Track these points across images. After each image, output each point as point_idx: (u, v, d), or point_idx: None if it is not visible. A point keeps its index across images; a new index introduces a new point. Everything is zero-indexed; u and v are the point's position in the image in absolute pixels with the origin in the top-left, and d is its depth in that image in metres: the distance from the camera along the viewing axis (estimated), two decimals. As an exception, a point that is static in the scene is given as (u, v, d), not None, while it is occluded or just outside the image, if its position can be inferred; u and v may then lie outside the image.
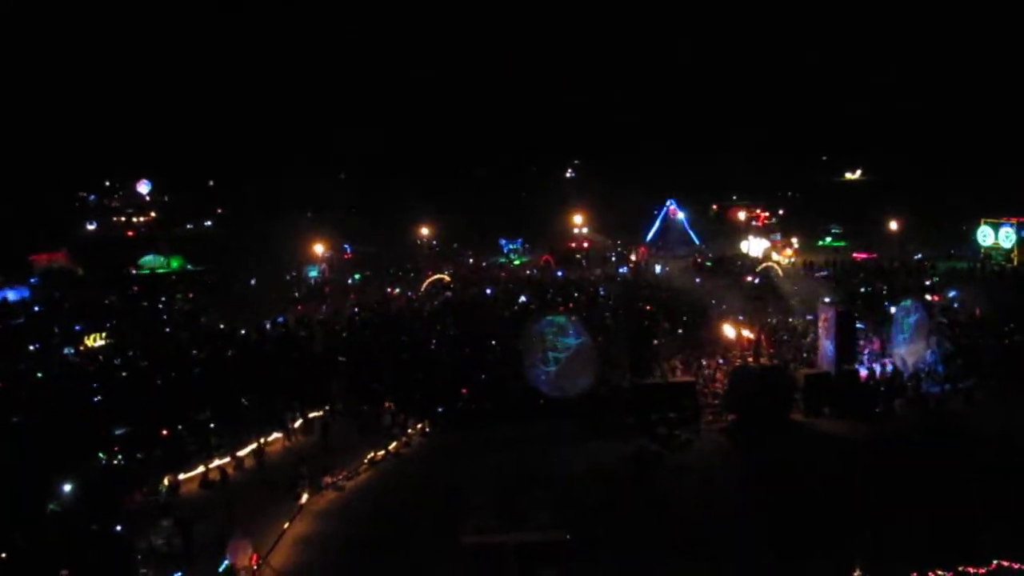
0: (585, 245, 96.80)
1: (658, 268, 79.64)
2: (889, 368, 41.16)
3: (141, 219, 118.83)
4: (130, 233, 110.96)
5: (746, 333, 44.49)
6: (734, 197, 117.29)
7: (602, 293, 64.28)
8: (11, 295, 70.91)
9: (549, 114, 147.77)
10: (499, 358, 43.56)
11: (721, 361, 43.58)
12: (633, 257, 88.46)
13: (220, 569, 24.88)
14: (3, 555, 24.83)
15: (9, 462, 31.73)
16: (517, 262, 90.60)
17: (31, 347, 52.14)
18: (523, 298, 62.08)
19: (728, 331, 45.15)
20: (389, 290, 71.55)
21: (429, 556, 24.76)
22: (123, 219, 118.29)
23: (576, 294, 63.51)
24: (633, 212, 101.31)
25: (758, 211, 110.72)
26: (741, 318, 47.01)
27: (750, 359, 41.37)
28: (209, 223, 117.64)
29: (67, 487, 29.81)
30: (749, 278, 69.16)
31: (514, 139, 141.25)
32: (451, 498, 27.64)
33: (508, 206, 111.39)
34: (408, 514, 28.23)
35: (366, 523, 28.11)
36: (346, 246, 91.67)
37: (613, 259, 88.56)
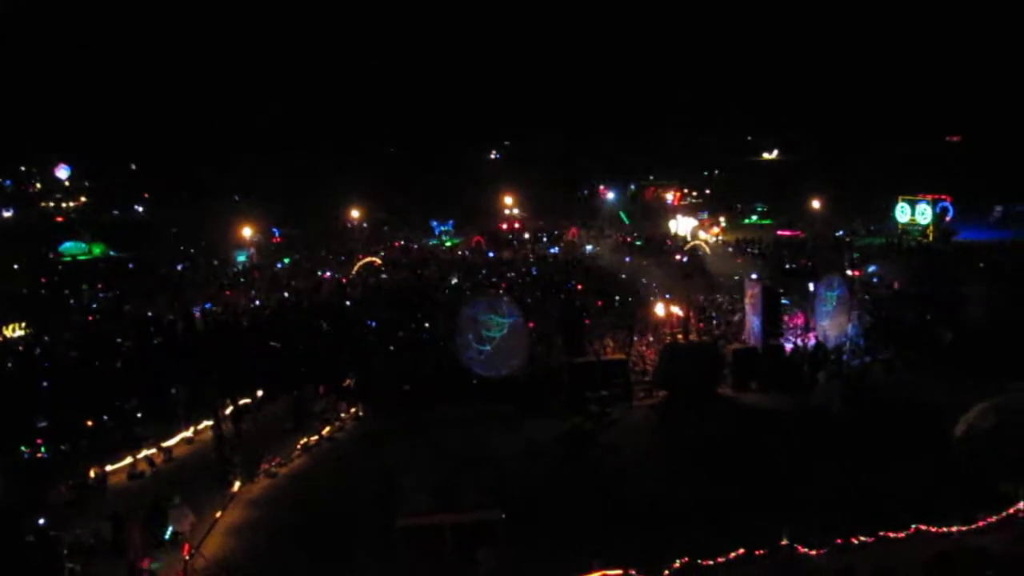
0: (516, 226, 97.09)
1: (588, 248, 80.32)
2: (813, 342, 42.33)
3: (70, 204, 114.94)
4: (60, 219, 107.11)
5: (676, 311, 45.22)
6: (651, 177, 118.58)
7: (534, 273, 64.61)
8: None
9: (477, 95, 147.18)
10: (432, 340, 43.49)
11: (652, 339, 44.27)
12: (564, 237, 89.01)
13: (165, 536, 25.39)
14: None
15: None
16: (449, 243, 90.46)
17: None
18: (455, 279, 62.03)
19: (658, 309, 45.85)
20: (320, 274, 70.73)
21: (365, 540, 24.69)
22: (50, 204, 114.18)
23: (508, 274, 63.70)
24: (563, 193, 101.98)
25: (673, 191, 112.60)
26: (671, 296, 47.73)
27: (680, 336, 42.09)
28: (140, 208, 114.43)
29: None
30: (678, 256, 70.29)
31: (442, 120, 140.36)
32: (386, 481, 27.55)
33: (439, 188, 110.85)
34: (343, 499, 28.09)
35: (301, 509, 27.86)
36: (274, 230, 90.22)
37: (544, 239, 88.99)
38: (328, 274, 70.34)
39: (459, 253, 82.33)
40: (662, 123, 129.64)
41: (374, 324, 47.88)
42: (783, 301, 43.58)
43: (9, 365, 44.41)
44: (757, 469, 28.30)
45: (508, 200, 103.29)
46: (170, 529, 25.74)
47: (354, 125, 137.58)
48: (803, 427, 32.49)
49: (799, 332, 44.52)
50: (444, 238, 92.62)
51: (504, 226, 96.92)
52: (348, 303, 55.64)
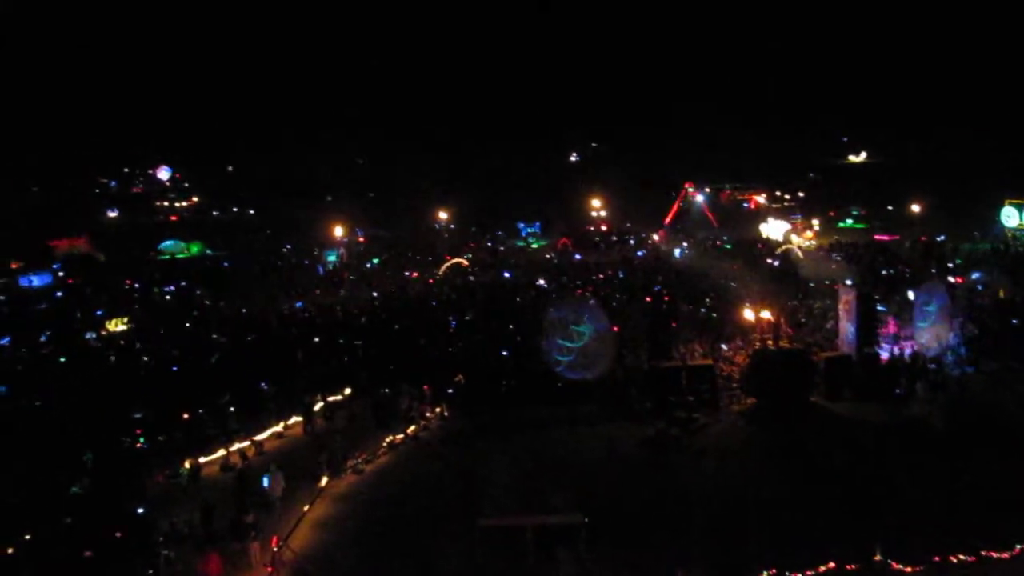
0: (603, 228, 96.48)
1: (677, 251, 79.24)
2: (910, 351, 40.77)
3: (178, 205, 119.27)
4: (173, 218, 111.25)
5: (766, 316, 44.13)
6: (727, 185, 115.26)
7: (620, 276, 64.07)
8: (34, 280, 71.73)
9: (567, 97, 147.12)
10: (517, 342, 43.53)
11: (740, 344, 43.34)
12: (652, 240, 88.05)
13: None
14: (27, 536, 25.14)
15: (32, 445, 32.16)
16: (535, 245, 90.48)
17: (53, 332, 52.69)
18: (541, 282, 61.99)
19: (748, 314, 44.83)
20: (407, 274, 71.66)
21: (447, 539, 24.82)
22: (164, 204, 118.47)
23: (594, 277, 63.33)
24: (651, 195, 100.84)
25: (752, 194, 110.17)
26: (760, 301, 46.64)
27: (770, 342, 41.05)
28: (236, 209, 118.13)
29: (90, 470, 30.18)
30: (769, 260, 68.69)
31: (532, 122, 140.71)
32: (469, 481, 27.70)
33: (526, 189, 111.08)
34: (426, 497, 28.32)
35: (385, 506, 28.23)
36: (358, 230, 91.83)
37: (632, 242, 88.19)
38: (415, 274, 71.17)
39: (546, 255, 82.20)
40: (751, 124, 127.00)
41: (458, 324, 48.20)
42: (879, 308, 42.11)
43: (111, 358, 46.44)
44: (849, 481, 27.36)
45: (595, 202, 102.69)
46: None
47: (443, 126, 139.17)
48: (899, 439, 31.29)
49: (896, 341, 42.91)
50: (530, 240, 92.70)
51: (591, 228, 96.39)
52: (434, 304, 56.17)
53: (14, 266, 73.67)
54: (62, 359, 46.01)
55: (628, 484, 28.46)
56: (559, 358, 38.89)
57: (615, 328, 41.96)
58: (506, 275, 67.92)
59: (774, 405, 35.79)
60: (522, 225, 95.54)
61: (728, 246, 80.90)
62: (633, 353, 41.05)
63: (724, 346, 43.10)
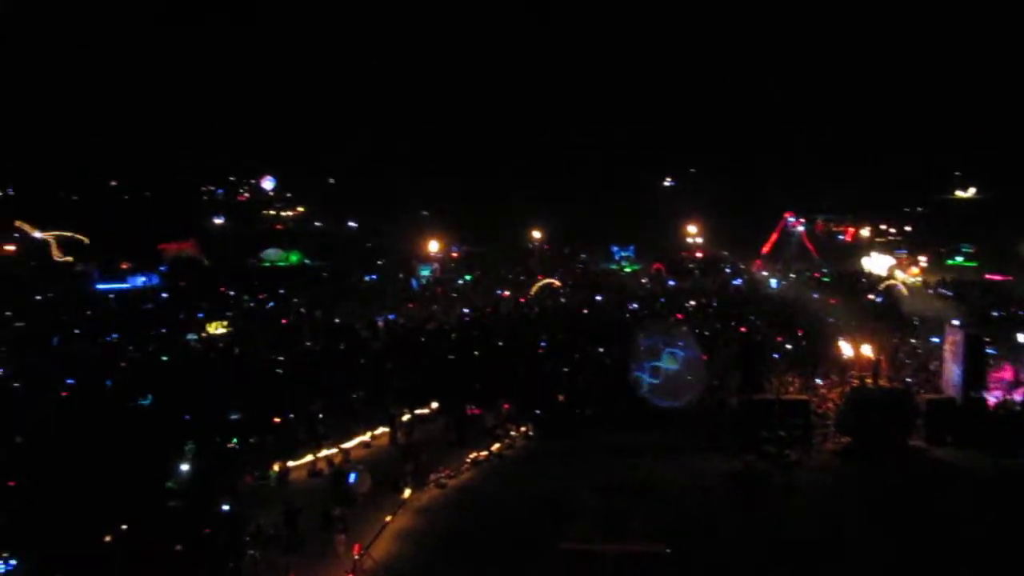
0: (698, 255, 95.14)
1: (774, 282, 77.45)
2: (1022, 399, 38.72)
3: (283, 214, 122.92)
4: (278, 227, 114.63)
5: (866, 352, 42.64)
6: (821, 216, 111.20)
7: (714, 305, 63.00)
8: (142, 281, 75.07)
9: (665, 120, 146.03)
10: (606, 365, 43.20)
11: (837, 380, 41.98)
12: (748, 269, 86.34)
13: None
14: (124, 527, 26.10)
15: (132, 440, 33.48)
16: (628, 269, 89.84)
17: (158, 332, 54.97)
18: (634, 306, 61.47)
19: (846, 350, 43.42)
20: (499, 292, 72.04)
21: (526, 559, 24.69)
22: (270, 213, 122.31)
23: (687, 304, 62.45)
24: (747, 223, 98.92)
25: (848, 227, 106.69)
26: (860, 337, 45.10)
27: (869, 380, 39.62)
28: (336, 221, 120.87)
29: (185, 466, 31.21)
30: (871, 296, 66.49)
31: (629, 145, 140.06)
32: (551, 503, 27.52)
33: (621, 212, 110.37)
34: (508, 516, 28.24)
35: (466, 522, 28.27)
36: (454, 246, 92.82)
37: (727, 270, 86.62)
38: (507, 293, 71.46)
39: (639, 280, 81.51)
40: (855, 154, 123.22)
41: (547, 345, 48.14)
42: (988, 351, 40.15)
43: (211, 358, 48.12)
44: (946, 533, 26.05)
45: (691, 228, 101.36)
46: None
47: (540, 145, 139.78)
48: (1006, 492, 29.61)
49: (1006, 386, 40.78)
50: (623, 263, 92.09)
51: (686, 254, 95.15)
52: (524, 323, 56.28)
53: (124, 267, 77.14)
54: (164, 358, 47.92)
55: (713, 517, 27.77)
56: (648, 384, 38.45)
57: (706, 357, 41.24)
58: (598, 298, 67.53)
59: (870, 446, 34.47)
60: (616, 248, 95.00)
61: (828, 279, 78.62)
62: (724, 384, 40.21)
63: (819, 381, 41.81)
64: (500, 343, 48.63)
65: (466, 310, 62.71)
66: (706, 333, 47.85)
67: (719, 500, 29.36)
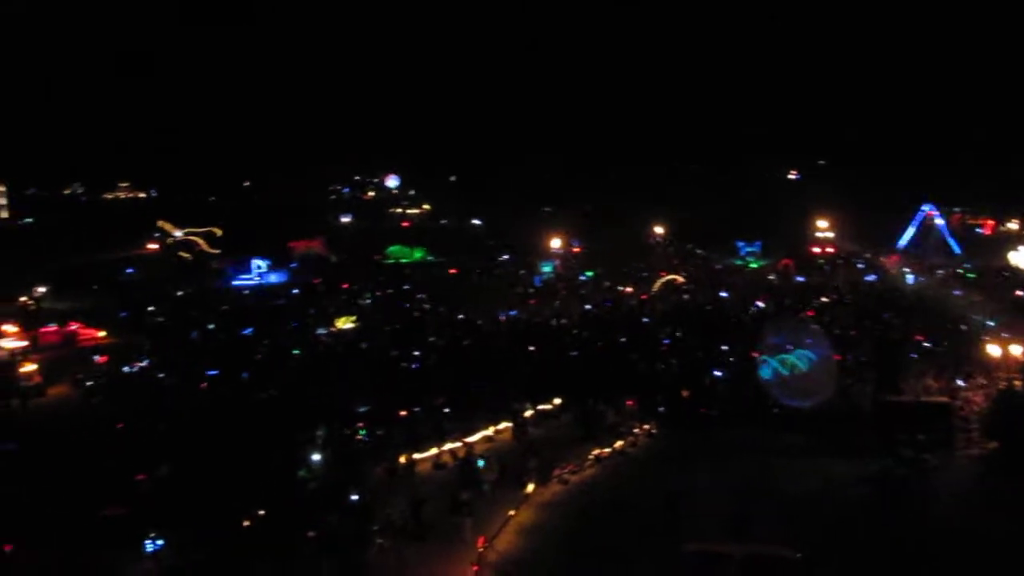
0: (829, 250, 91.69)
1: (911, 278, 73.85)
2: None
3: (410, 212, 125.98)
4: (405, 224, 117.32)
5: (1015, 353, 40.10)
6: (957, 208, 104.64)
7: (846, 302, 60.66)
8: (273, 278, 78.45)
9: (794, 111, 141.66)
10: (731, 364, 42.26)
11: (983, 382, 39.67)
12: (883, 265, 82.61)
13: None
14: (261, 512, 27.30)
15: (267, 430, 34.99)
16: (754, 265, 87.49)
17: (289, 326, 57.32)
18: (759, 303, 59.90)
19: (993, 350, 40.94)
20: (621, 288, 71.51)
21: (649, 559, 24.36)
22: (397, 210, 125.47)
23: (817, 301, 60.36)
24: (881, 217, 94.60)
25: (987, 219, 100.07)
26: (1008, 336, 42.47)
27: (1017, 382, 37.24)
28: (460, 218, 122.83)
29: (316, 456, 32.37)
30: (1020, 292, 62.52)
31: (757, 138, 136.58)
32: (675, 501, 27.08)
33: (746, 207, 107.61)
34: (631, 514, 27.96)
35: (589, 519, 28.17)
36: (574, 242, 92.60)
37: (860, 266, 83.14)
38: (629, 289, 70.86)
39: (766, 276, 79.28)
40: (995, 144, 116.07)
41: (671, 342, 47.48)
42: None
43: (339, 352, 49.76)
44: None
45: (820, 223, 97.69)
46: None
47: (662, 140, 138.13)
48: None
49: None
50: (749, 259, 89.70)
51: (816, 250, 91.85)
52: (647, 320, 55.68)
53: (257, 264, 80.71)
54: (296, 351, 49.86)
55: (846, 523, 26.64)
56: (775, 383, 37.37)
57: (838, 356, 39.74)
58: (723, 295, 66.11)
59: (1020, 452, 32.33)
60: (741, 244, 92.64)
61: (971, 275, 74.36)
62: (858, 384, 38.64)
63: (962, 383, 39.60)
64: (623, 339, 48.25)
65: (588, 306, 62.55)
66: (837, 332, 46.06)
67: (852, 505, 28.18)
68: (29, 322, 56.14)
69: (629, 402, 38.13)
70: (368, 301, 66.20)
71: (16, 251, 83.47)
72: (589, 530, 27.08)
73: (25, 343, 52.47)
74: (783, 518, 24.76)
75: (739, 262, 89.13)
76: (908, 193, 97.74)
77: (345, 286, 71.74)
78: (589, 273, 79.82)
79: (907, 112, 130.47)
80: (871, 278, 75.34)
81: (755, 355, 38.01)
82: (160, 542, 26.34)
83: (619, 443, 34.94)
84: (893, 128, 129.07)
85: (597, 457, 33.59)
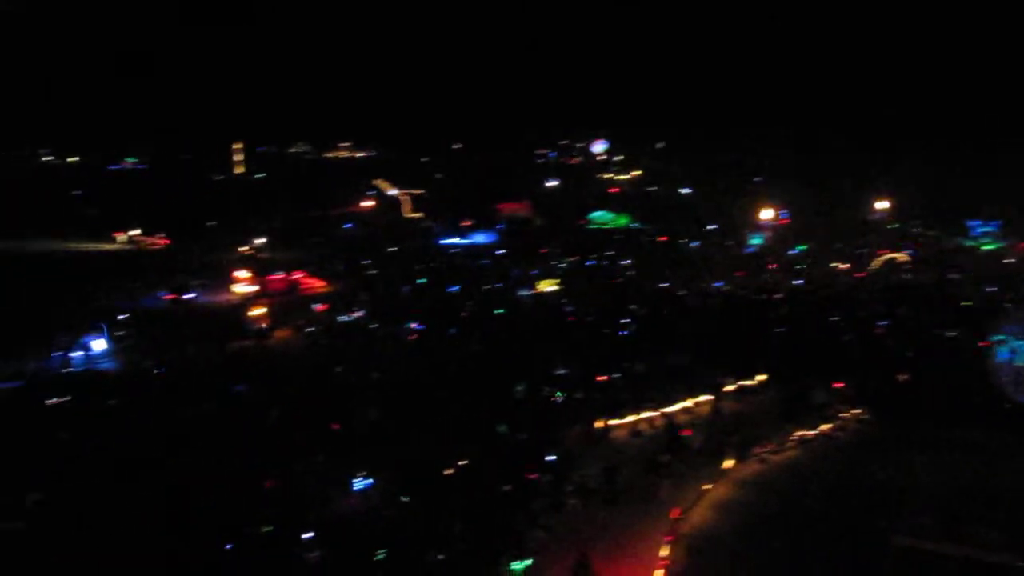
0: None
1: None
2: None
3: (618, 178, 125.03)
4: (614, 190, 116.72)
5: None
6: None
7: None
8: (480, 238, 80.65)
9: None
10: (954, 351, 39.20)
11: None
12: None
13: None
14: (464, 462, 28.48)
15: (468, 384, 36.33)
16: (987, 247, 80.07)
17: (493, 286, 58.87)
18: (991, 288, 55.03)
19: None
20: (835, 265, 67.91)
21: (851, 550, 23.32)
22: (606, 176, 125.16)
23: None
24: None
25: None
26: None
27: None
28: (670, 186, 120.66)
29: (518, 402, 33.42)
30: None
31: (996, 108, 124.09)
32: (885, 494, 25.66)
33: (983, 185, 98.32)
34: (835, 501, 26.88)
35: (789, 502, 27.32)
36: (783, 213, 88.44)
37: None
38: (844, 266, 67.21)
39: (1001, 259, 72.53)
40: None
41: (890, 324, 44.65)
42: None
43: (541, 314, 50.56)
44: None
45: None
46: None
47: (890, 113, 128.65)
48: None
49: None
50: (983, 240, 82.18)
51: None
52: (864, 299, 52.65)
53: (465, 224, 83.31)
54: (499, 311, 51.13)
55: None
56: (1010, 376, 34.28)
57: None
58: (951, 277, 61.27)
59: None
60: (975, 223, 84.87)
61: None
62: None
63: None
64: (835, 319, 45.96)
65: (798, 281, 60.01)
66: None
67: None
68: (259, 269, 61.04)
69: (838, 384, 36.27)
70: (565, 265, 66.61)
71: (248, 203, 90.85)
72: (789, 514, 26.27)
73: (255, 288, 57.27)
74: (1009, 524, 22.79)
75: (970, 243, 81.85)
76: None
77: (543, 251, 72.55)
78: (801, 247, 76.14)
79: None
80: None
81: (986, 343, 34.90)
82: (369, 481, 28.13)
83: (825, 426, 33.50)
84: None
85: (801, 439, 32.39)
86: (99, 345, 47.08)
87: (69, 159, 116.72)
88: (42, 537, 27.47)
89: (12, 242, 70.70)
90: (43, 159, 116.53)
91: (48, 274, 61.08)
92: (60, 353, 45.77)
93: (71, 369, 44.90)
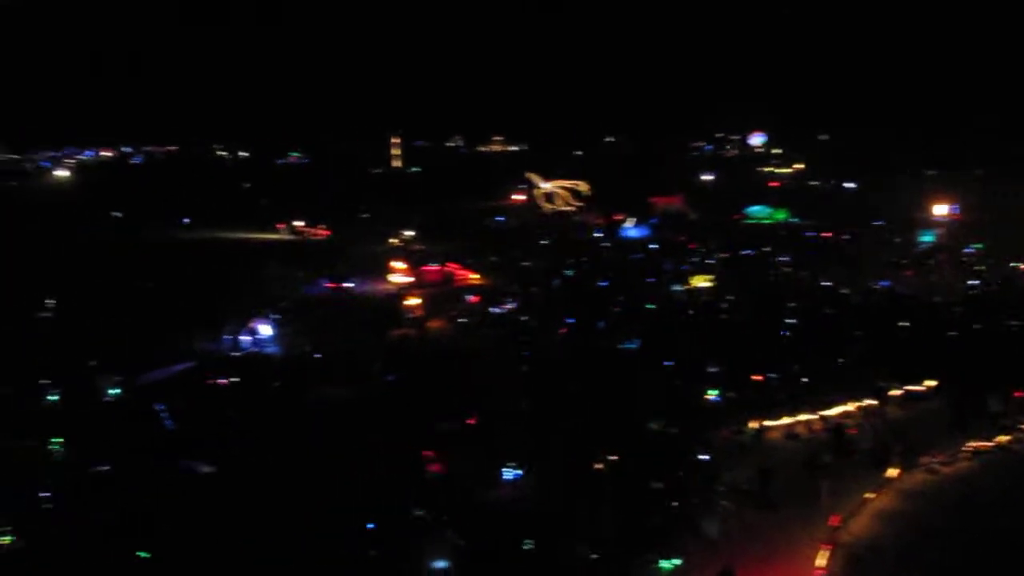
0: None
1: None
2: None
3: (779, 171, 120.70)
4: (774, 184, 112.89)
5: None
6: None
7: None
8: (634, 232, 79.66)
9: None
10: None
11: None
12: None
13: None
14: (612, 458, 28.41)
15: (615, 380, 36.16)
16: None
17: (646, 280, 58.10)
18: None
19: None
20: (1015, 265, 62.97)
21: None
22: (765, 170, 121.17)
23: None
24: None
25: None
26: None
27: None
28: (833, 181, 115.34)
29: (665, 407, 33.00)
30: None
31: None
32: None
33: None
34: (1011, 520, 25.08)
35: (959, 517, 25.76)
36: (954, 207, 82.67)
37: None
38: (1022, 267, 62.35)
39: None
40: None
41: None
42: None
43: (694, 310, 49.64)
44: None
45: None
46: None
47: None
48: None
49: None
50: None
51: None
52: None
53: (617, 217, 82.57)
54: (650, 306, 50.47)
55: None
56: None
57: None
58: None
59: None
60: None
61: None
62: None
63: None
64: (1014, 323, 42.84)
65: (973, 282, 56.26)
66: None
67: None
68: (413, 261, 62.85)
69: (1017, 393, 33.80)
70: (715, 261, 65.00)
71: (405, 195, 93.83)
72: (959, 530, 24.74)
73: (411, 279, 59.03)
74: None
75: None
76: None
77: (692, 246, 71.06)
78: (977, 245, 70.95)
79: None
80: None
81: None
82: (519, 472, 28.48)
83: (1003, 438, 31.27)
84: None
85: (975, 450, 30.39)
86: (266, 330, 49.92)
87: (240, 153, 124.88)
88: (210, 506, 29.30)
89: (185, 232, 76.20)
90: (217, 154, 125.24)
91: (219, 262, 65.10)
92: (230, 337, 48.86)
93: (239, 352, 47.75)
